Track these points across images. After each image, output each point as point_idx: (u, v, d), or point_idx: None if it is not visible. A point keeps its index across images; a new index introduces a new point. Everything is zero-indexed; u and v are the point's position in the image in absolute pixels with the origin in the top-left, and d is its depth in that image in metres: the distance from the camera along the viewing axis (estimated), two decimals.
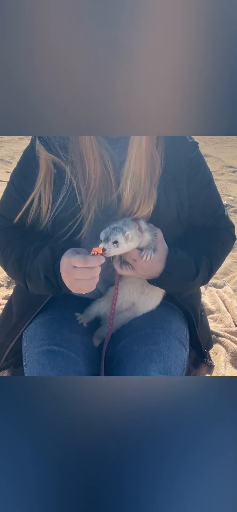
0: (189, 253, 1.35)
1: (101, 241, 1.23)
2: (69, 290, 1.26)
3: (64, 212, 1.30)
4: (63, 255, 1.23)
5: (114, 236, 1.22)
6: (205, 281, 1.44)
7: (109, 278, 1.41)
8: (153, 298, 1.42)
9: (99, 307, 1.45)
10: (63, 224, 1.31)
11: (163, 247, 1.31)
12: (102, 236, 1.23)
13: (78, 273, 1.19)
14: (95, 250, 1.19)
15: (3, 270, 1.48)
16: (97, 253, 1.18)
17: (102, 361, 1.35)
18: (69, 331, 1.37)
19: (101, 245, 1.20)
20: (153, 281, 1.35)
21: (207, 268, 1.39)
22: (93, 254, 1.18)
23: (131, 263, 1.31)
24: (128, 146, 1.28)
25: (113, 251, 1.22)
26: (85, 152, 1.28)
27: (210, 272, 1.42)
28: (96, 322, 1.49)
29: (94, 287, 1.22)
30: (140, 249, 1.29)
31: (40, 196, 1.32)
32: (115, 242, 1.22)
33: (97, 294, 1.47)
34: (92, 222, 1.31)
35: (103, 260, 1.18)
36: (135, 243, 1.27)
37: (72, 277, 1.20)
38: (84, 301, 1.49)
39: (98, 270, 1.19)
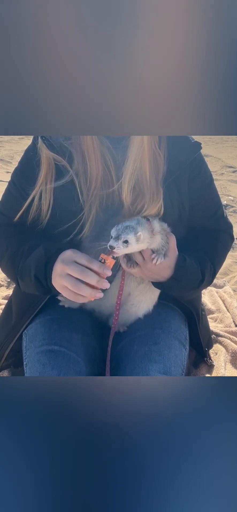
0: (196, 260, 1.36)
1: (111, 237, 1.20)
2: (57, 292, 1.24)
3: (66, 212, 1.30)
4: (68, 249, 1.21)
5: (125, 236, 1.19)
6: (208, 285, 1.46)
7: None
8: (150, 289, 1.41)
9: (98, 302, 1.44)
10: (64, 223, 1.31)
11: (174, 254, 1.30)
12: (113, 232, 1.20)
13: (74, 269, 1.15)
14: (103, 256, 1.15)
15: None
16: (105, 261, 1.15)
17: (108, 359, 1.34)
18: (69, 331, 1.37)
19: (110, 255, 1.17)
20: (158, 285, 1.35)
21: (211, 273, 1.41)
22: (100, 261, 1.15)
23: (139, 262, 1.30)
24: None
25: (122, 251, 1.19)
26: (86, 151, 1.28)
27: (213, 276, 1.44)
28: (97, 323, 1.49)
29: (77, 302, 1.18)
30: (151, 250, 1.28)
31: (40, 195, 1.32)
32: (126, 241, 1.19)
33: None
34: (93, 222, 1.30)
35: (108, 273, 1.14)
36: (145, 245, 1.25)
37: (66, 271, 1.17)
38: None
39: (95, 278, 1.13)
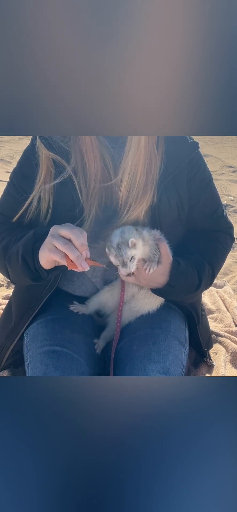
0: (192, 264, 1.35)
1: (120, 265, 1.21)
2: (46, 274, 1.24)
3: (65, 212, 1.30)
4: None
5: (125, 255, 1.20)
6: (207, 288, 1.46)
7: (107, 276, 1.42)
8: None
9: (100, 300, 1.45)
10: (64, 223, 1.30)
11: (167, 260, 1.29)
12: (117, 261, 1.22)
13: (59, 240, 1.14)
14: (91, 263, 1.16)
15: None
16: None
17: (112, 361, 1.35)
18: (71, 332, 1.37)
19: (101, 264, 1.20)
20: (156, 291, 1.35)
21: (209, 276, 1.40)
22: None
23: (134, 272, 1.29)
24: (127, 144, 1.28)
25: (134, 266, 1.22)
26: (85, 151, 1.27)
27: (212, 279, 1.43)
28: (98, 323, 1.50)
29: (71, 256, 1.14)
30: (143, 260, 1.27)
31: (40, 195, 1.32)
32: (132, 258, 1.21)
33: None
34: (93, 222, 1.30)
35: (85, 267, 1.13)
36: (140, 251, 1.25)
37: (52, 242, 1.16)
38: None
39: (74, 255, 1.12)
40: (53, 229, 1.18)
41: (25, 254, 1.24)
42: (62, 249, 1.13)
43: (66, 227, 1.16)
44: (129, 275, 1.22)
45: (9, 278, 1.37)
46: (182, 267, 1.31)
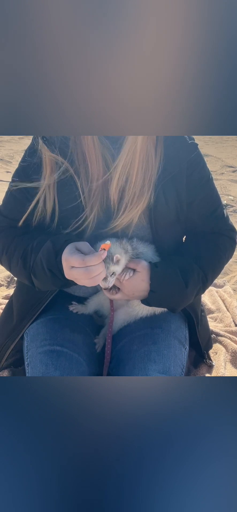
0: (175, 266, 1.32)
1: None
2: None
3: (68, 212, 1.30)
4: (62, 255, 1.21)
5: (109, 269, 1.23)
6: (200, 291, 1.40)
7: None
8: None
9: (99, 299, 1.45)
10: (66, 224, 1.30)
11: (141, 265, 1.29)
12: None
13: (76, 273, 1.16)
14: (103, 246, 1.15)
15: (6, 270, 1.46)
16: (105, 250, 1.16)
17: (106, 366, 1.35)
18: (71, 332, 1.37)
19: (108, 242, 1.19)
20: (145, 302, 1.34)
21: (199, 279, 1.35)
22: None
23: (118, 285, 1.31)
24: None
25: (112, 282, 1.24)
26: (87, 152, 1.27)
27: (205, 282, 1.38)
28: (98, 324, 1.50)
29: (100, 282, 1.19)
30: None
31: (44, 197, 1.31)
32: (113, 274, 1.23)
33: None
34: (95, 223, 1.30)
35: (104, 255, 1.14)
36: (123, 261, 1.27)
37: (73, 277, 1.19)
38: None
39: (100, 268, 1.15)
40: (65, 267, 1.19)
41: (51, 267, 1.23)
42: (86, 277, 1.15)
43: (77, 257, 1.15)
44: (106, 288, 1.24)
45: (33, 286, 1.35)
46: (160, 270, 1.29)
